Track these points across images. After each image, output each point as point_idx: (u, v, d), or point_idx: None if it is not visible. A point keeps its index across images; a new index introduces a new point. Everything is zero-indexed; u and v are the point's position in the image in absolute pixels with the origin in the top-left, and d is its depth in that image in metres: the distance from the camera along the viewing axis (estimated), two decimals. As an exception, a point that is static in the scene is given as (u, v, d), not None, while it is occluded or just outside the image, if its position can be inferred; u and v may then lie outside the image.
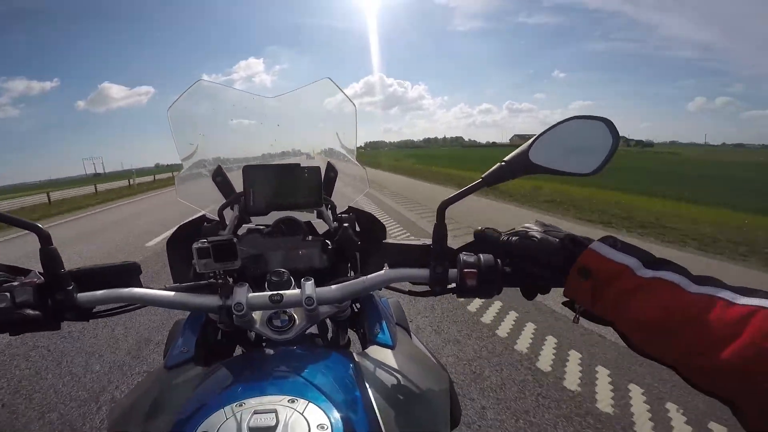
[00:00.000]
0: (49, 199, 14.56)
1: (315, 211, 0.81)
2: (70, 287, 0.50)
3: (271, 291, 0.54)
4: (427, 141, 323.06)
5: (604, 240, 0.46)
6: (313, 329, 0.68)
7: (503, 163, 0.51)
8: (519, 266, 0.53)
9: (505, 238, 0.53)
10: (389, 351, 0.56)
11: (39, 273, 0.50)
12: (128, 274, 0.54)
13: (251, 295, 0.52)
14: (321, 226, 0.82)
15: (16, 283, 0.48)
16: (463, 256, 0.52)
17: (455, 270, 0.53)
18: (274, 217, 0.76)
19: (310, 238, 0.75)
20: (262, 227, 0.76)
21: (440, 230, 0.52)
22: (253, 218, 0.77)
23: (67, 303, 0.49)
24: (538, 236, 0.52)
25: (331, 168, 0.79)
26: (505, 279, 0.52)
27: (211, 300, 0.52)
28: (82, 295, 0.50)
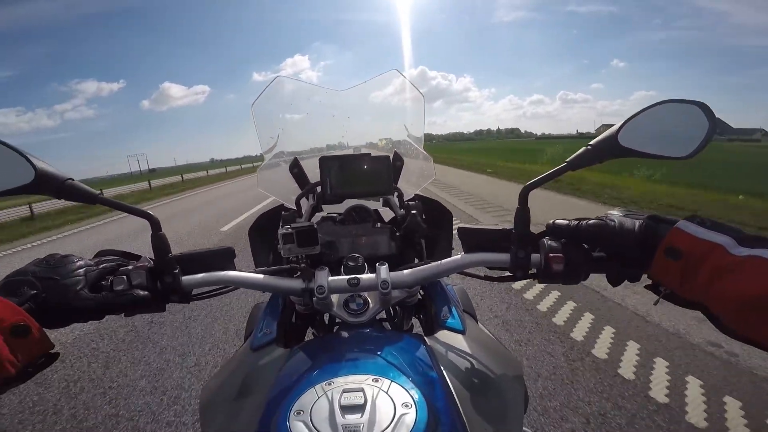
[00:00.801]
0: (182, 178, 21.28)
1: (381, 199, 0.83)
2: (176, 270, 0.53)
3: (347, 275, 0.57)
4: (479, 133, 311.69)
5: (691, 219, 0.44)
6: (381, 314, 0.70)
7: (589, 147, 0.50)
8: (603, 251, 0.51)
9: (583, 224, 0.51)
10: (460, 336, 0.56)
11: (149, 258, 0.55)
12: (224, 257, 0.57)
13: (331, 278, 0.55)
14: (386, 214, 0.84)
15: (130, 267, 0.52)
16: (548, 241, 0.52)
17: (537, 255, 0.53)
18: (345, 205, 0.79)
19: (378, 225, 0.77)
20: (335, 215, 0.79)
21: (522, 214, 0.52)
22: (325, 207, 0.81)
23: (174, 285, 0.53)
24: (617, 220, 0.50)
25: (397, 157, 0.81)
26: (590, 265, 0.51)
27: (295, 283, 0.55)
28: (186, 278, 0.54)
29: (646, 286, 0.48)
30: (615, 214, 0.52)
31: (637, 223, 0.49)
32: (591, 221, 0.51)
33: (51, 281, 0.46)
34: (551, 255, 0.51)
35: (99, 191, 0.52)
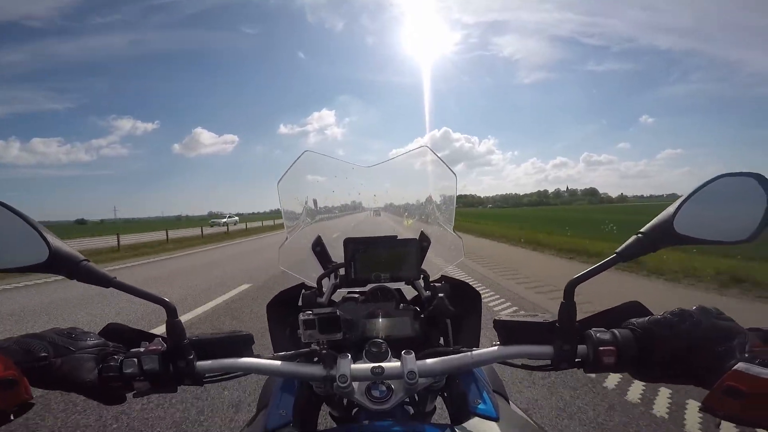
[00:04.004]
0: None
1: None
2: (191, 356, 0.52)
3: (369, 361, 0.56)
4: (543, 194, 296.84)
5: (751, 359, 0.40)
6: None
7: (640, 235, 0.49)
8: (661, 352, 0.48)
9: (659, 318, 0.49)
10: (494, 424, 0.54)
11: (162, 339, 0.54)
12: (241, 343, 0.56)
13: (353, 366, 0.53)
14: (409, 291, 0.81)
15: (142, 349, 0.52)
16: (597, 334, 0.51)
17: (584, 347, 0.52)
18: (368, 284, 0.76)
19: (402, 306, 0.73)
20: (356, 295, 0.76)
21: (568, 308, 0.51)
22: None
23: (187, 370, 0.52)
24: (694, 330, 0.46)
25: (424, 238, 0.78)
26: (643, 361, 0.49)
27: (316, 369, 0.53)
28: (201, 364, 0.53)
29: (701, 409, 0.43)
30: (696, 316, 0.47)
31: (702, 336, 0.45)
32: (669, 317, 0.48)
33: (66, 350, 0.48)
34: (602, 348, 0.49)
35: (114, 276, 0.51)
